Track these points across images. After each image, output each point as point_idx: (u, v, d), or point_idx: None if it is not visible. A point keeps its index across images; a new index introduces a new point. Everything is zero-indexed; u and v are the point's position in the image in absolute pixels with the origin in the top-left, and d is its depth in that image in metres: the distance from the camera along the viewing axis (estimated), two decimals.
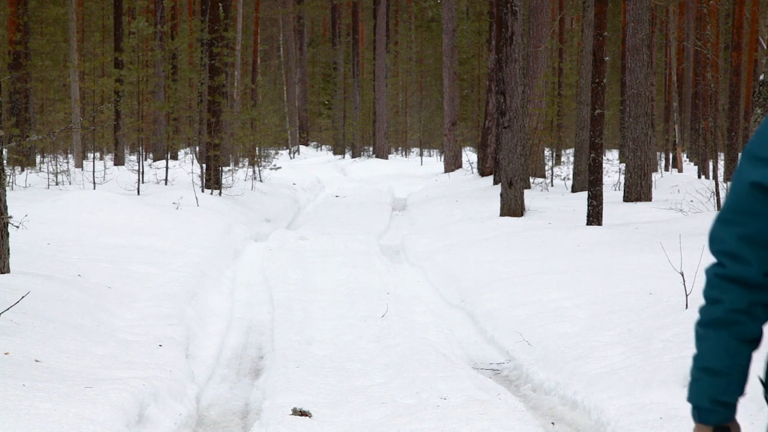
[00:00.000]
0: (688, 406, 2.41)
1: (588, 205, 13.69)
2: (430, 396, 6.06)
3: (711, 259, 2.28)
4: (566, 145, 29.15)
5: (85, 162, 28.24)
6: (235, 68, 32.10)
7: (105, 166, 23.29)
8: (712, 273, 2.26)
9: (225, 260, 12.51)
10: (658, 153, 33.57)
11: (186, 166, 25.69)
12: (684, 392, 5.82)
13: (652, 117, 18.15)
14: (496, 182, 22.01)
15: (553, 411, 6.34)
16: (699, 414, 2.28)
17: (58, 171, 21.24)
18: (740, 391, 2.24)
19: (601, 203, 13.80)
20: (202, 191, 19.26)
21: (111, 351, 6.77)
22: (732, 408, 2.26)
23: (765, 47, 27.99)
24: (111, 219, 13.44)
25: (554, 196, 18.88)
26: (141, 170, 19.58)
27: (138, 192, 18.54)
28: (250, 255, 13.57)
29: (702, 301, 2.28)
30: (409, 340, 7.83)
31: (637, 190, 17.74)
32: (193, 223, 14.25)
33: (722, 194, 15.91)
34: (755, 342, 2.22)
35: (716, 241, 2.25)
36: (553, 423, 6.12)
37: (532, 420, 5.69)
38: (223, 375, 7.38)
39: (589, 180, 13.85)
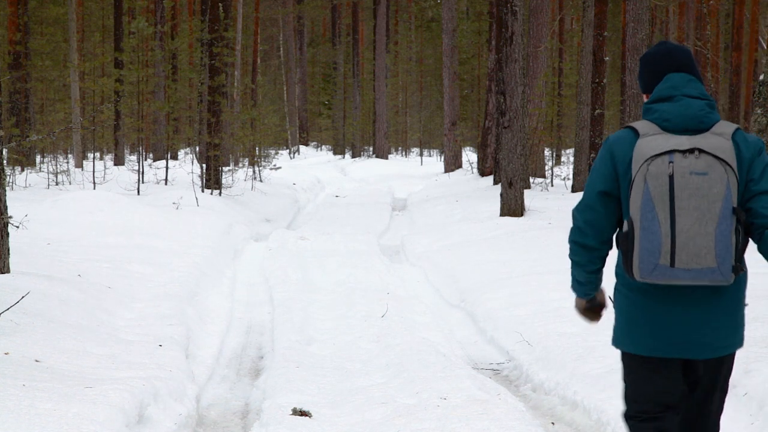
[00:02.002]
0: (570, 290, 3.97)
1: None
2: (430, 396, 6.06)
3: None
4: (566, 145, 29.16)
5: (85, 162, 28.24)
6: (235, 68, 32.11)
7: (105, 166, 23.29)
8: (570, 237, 3.83)
9: (225, 260, 12.51)
10: None
11: (186, 166, 25.69)
12: None
13: None
14: (496, 182, 22.01)
15: (553, 411, 6.34)
16: (577, 294, 3.96)
17: (58, 171, 21.24)
18: (597, 288, 3.92)
19: None
20: (202, 191, 19.26)
21: (111, 351, 6.77)
22: (593, 290, 3.92)
23: (765, 47, 28.00)
24: (111, 219, 13.44)
25: (554, 196, 18.88)
26: (141, 170, 19.58)
27: (138, 192, 18.54)
28: (250, 255, 13.57)
29: (571, 256, 3.87)
30: (409, 340, 7.83)
31: None
32: (193, 223, 14.25)
33: None
34: (597, 271, 3.86)
35: (574, 220, 3.81)
36: (553, 423, 6.12)
37: (532, 420, 5.69)
38: (223, 375, 7.38)
39: None
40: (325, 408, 5.98)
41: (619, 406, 5.82)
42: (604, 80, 13.67)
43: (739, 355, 5.97)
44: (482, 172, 27.07)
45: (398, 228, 18.07)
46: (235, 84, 31.06)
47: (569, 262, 3.88)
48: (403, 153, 55.95)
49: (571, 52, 32.28)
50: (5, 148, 10.08)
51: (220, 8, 20.53)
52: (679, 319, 3.61)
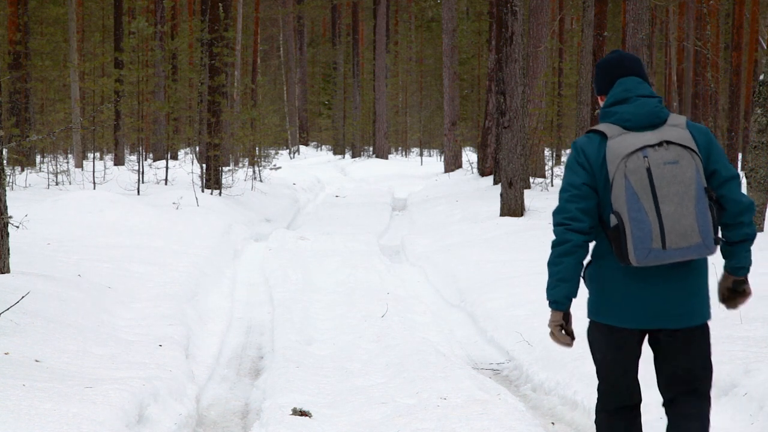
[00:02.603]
0: (547, 303, 4.04)
1: None
2: (430, 396, 6.06)
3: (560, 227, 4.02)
4: (566, 145, 29.14)
5: (85, 162, 28.23)
6: (235, 68, 32.11)
7: (105, 166, 23.28)
8: (561, 229, 4.00)
9: (225, 260, 12.51)
10: None
11: (186, 166, 25.68)
12: None
13: None
14: (496, 182, 22.01)
15: (553, 411, 6.33)
16: (556, 305, 4.03)
17: (58, 171, 21.23)
18: (576, 292, 4.01)
19: None
20: (202, 191, 19.26)
21: (111, 351, 6.77)
22: (570, 301, 4.02)
23: (765, 47, 27.99)
24: (111, 219, 13.44)
25: (554, 196, 18.88)
26: (141, 170, 19.58)
27: (138, 192, 18.54)
28: (250, 255, 13.57)
29: (556, 245, 4.01)
30: (409, 340, 7.83)
31: None
32: (193, 223, 14.26)
33: None
34: (581, 265, 4.02)
35: (564, 211, 4.01)
36: (553, 423, 6.12)
37: (532, 420, 5.69)
38: (223, 375, 7.38)
39: None
40: (325, 408, 5.98)
41: None
42: None
43: (739, 355, 5.99)
44: (482, 172, 27.07)
45: (398, 228, 18.07)
46: (235, 84, 31.05)
47: (551, 266, 4.03)
48: (403, 153, 55.96)
49: (571, 52, 32.30)
50: (5, 148, 10.08)
51: (220, 8, 20.53)
52: (655, 292, 3.96)
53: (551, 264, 4.02)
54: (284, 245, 14.03)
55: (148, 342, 7.24)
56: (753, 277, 8.91)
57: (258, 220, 17.94)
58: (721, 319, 7.02)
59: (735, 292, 4.25)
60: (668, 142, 3.88)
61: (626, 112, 3.97)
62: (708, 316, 4.10)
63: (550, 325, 4.06)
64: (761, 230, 11.59)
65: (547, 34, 23.47)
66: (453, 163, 32.31)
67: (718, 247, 3.99)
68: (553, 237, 4.03)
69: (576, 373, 6.59)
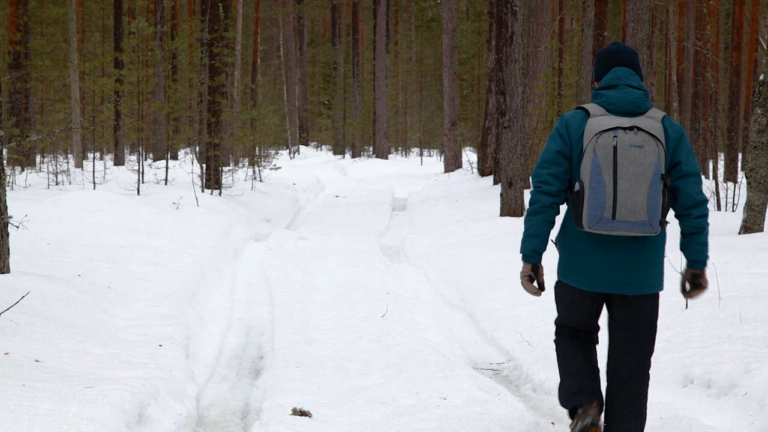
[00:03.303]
0: (520, 257, 4.69)
1: None
2: (430, 396, 6.06)
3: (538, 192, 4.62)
4: None
5: (85, 162, 28.24)
6: (235, 68, 32.11)
7: (105, 166, 23.28)
8: (534, 191, 4.60)
9: (225, 260, 12.51)
10: None
11: (186, 166, 25.69)
12: (684, 392, 5.82)
13: None
14: (496, 182, 22.01)
15: (553, 411, 6.34)
16: (526, 258, 4.66)
17: (58, 171, 21.23)
18: (545, 247, 4.63)
19: None
20: (202, 191, 19.26)
21: (111, 351, 6.77)
22: (540, 255, 4.65)
23: (765, 47, 27.99)
24: (111, 219, 13.44)
25: None
26: (141, 170, 19.59)
27: (138, 192, 18.54)
28: (250, 255, 13.56)
29: (530, 205, 4.62)
30: (409, 340, 7.83)
31: None
32: (192, 223, 14.25)
33: (722, 194, 15.92)
34: (552, 222, 4.61)
35: (537, 175, 4.60)
36: (553, 423, 6.12)
37: (532, 420, 5.69)
38: (223, 375, 7.38)
39: None
40: (325, 408, 5.98)
41: None
42: None
43: (739, 355, 5.99)
44: (482, 172, 27.07)
45: (398, 228, 18.06)
46: (235, 84, 31.05)
47: (525, 224, 4.68)
48: (403, 153, 55.96)
49: (571, 52, 32.27)
50: (5, 148, 10.08)
51: (220, 8, 20.53)
52: (611, 262, 4.51)
53: (525, 222, 4.66)
54: (284, 245, 14.03)
55: (148, 342, 7.23)
56: (753, 278, 8.90)
57: (258, 220, 17.93)
58: (721, 319, 7.03)
59: (692, 284, 4.66)
60: (638, 129, 4.38)
61: (612, 97, 4.48)
62: (659, 287, 4.60)
63: (521, 276, 4.67)
64: (761, 230, 11.58)
65: (547, 34, 23.47)
66: (453, 163, 32.32)
67: (684, 234, 4.61)
68: (529, 198, 4.65)
69: None
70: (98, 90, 31.30)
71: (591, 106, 4.53)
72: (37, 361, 6.07)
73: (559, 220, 4.93)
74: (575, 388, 4.68)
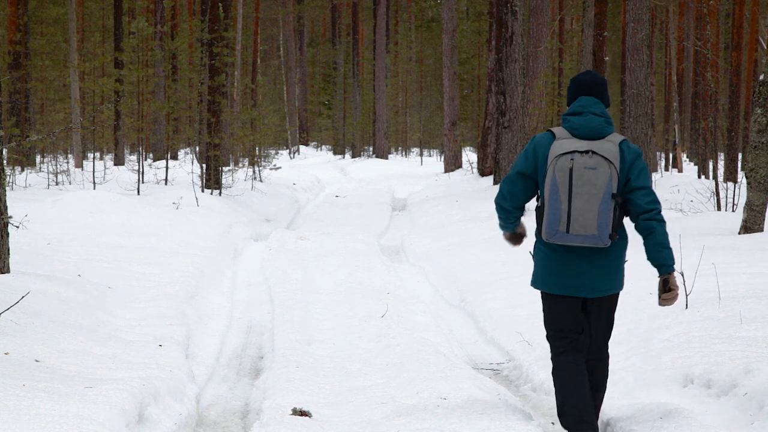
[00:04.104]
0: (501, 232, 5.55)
1: None
2: (430, 396, 6.06)
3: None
4: None
5: (85, 162, 28.23)
6: (235, 68, 32.11)
7: (105, 166, 23.28)
8: (495, 201, 5.36)
9: (225, 260, 12.50)
10: (658, 153, 33.56)
11: (186, 166, 25.67)
12: (684, 392, 5.82)
13: (652, 117, 18.16)
14: (496, 182, 22.00)
15: (553, 411, 6.33)
16: (505, 230, 5.47)
17: (58, 171, 21.22)
18: (516, 226, 5.44)
19: None
20: (202, 191, 19.26)
21: (111, 351, 6.77)
22: (514, 228, 5.45)
23: (765, 47, 27.99)
24: (111, 219, 13.43)
25: None
26: (141, 170, 19.58)
27: (138, 192, 18.54)
28: (250, 255, 13.56)
29: (497, 210, 5.42)
30: (409, 340, 7.84)
31: None
32: (193, 223, 14.24)
33: (722, 194, 15.91)
34: (515, 221, 5.41)
35: (501, 189, 5.29)
36: (553, 423, 6.12)
37: (532, 420, 5.69)
38: (223, 375, 7.38)
39: None
40: (325, 408, 5.99)
41: (619, 406, 5.83)
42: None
43: (739, 355, 5.99)
44: (482, 172, 27.07)
45: (398, 228, 18.06)
46: (235, 84, 31.04)
47: (498, 217, 5.43)
48: (403, 153, 55.96)
49: (571, 52, 32.28)
50: (5, 148, 10.08)
51: (220, 8, 20.52)
52: (576, 270, 5.13)
53: (498, 212, 5.41)
54: (284, 245, 14.03)
55: (148, 342, 7.23)
56: (753, 278, 8.89)
57: (258, 220, 17.93)
58: (721, 319, 7.02)
59: (663, 290, 5.10)
60: (593, 152, 4.97)
61: (576, 123, 5.06)
62: (618, 288, 5.26)
63: (504, 236, 5.51)
64: (761, 230, 11.58)
65: (547, 34, 23.47)
66: (453, 163, 32.32)
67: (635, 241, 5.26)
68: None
69: None
70: (98, 90, 31.30)
71: (558, 130, 5.12)
72: (37, 361, 6.07)
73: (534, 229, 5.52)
74: (577, 417, 5.17)
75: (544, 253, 5.20)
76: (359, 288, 10.41)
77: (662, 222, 5.09)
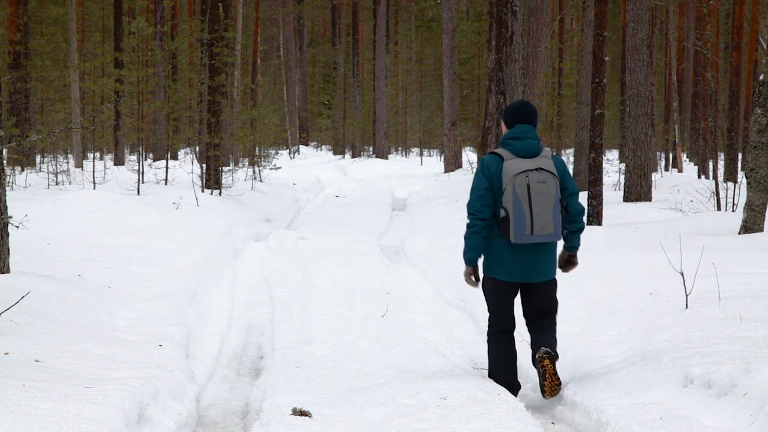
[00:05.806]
0: (463, 263, 6.65)
1: (588, 205, 13.70)
2: (430, 396, 6.06)
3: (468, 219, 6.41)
4: (566, 145, 29.15)
5: (85, 162, 28.24)
6: (235, 68, 32.10)
7: (105, 166, 23.28)
8: (472, 217, 6.35)
9: (225, 260, 12.50)
10: (658, 153, 33.58)
11: (186, 166, 25.68)
12: (684, 392, 5.82)
13: (652, 117, 18.15)
14: None
15: (553, 411, 6.34)
16: (469, 262, 6.42)
17: (58, 171, 21.23)
18: (480, 255, 6.42)
19: (601, 203, 13.81)
20: (202, 191, 19.26)
21: (111, 351, 6.77)
22: (477, 260, 6.43)
23: (765, 47, 27.99)
24: (111, 219, 13.43)
25: None
26: (141, 170, 19.59)
27: (138, 192, 18.54)
28: (250, 255, 13.56)
29: (469, 227, 6.38)
30: (409, 339, 7.84)
31: (637, 190, 17.75)
32: (193, 223, 14.24)
33: (722, 194, 15.93)
34: (486, 238, 6.36)
35: (473, 205, 6.34)
36: (553, 423, 6.13)
37: (532, 420, 5.69)
38: (223, 375, 7.38)
39: (589, 180, 13.86)
40: (325, 408, 5.98)
41: (619, 406, 5.83)
42: (604, 80, 13.65)
43: (739, 355, 5.99)
44: None
45: (398, 228, 18.06)
46: (235, 84, 31.04)
47: (466, 240, 6.36)
48: (403, 153, 55.96)
49: (571, 52, 32.29)
50: (5, 148, 10.08)
51: (220, 8, 20.53)
52: (524, 260, 6.35)
53: (466, 238, 6.37)
54: (284, 245, 14.03)
55: (148, 342, 7.24)
56: (753, 278, 8.88)
57: (258, 220, 17.93)
58: (721, 319, 7.02)
59: (568, 262, 6.59)
60: (541, 169, 6.21)
61: (517, 146, 6.26)
62: (553, 274, 6.49)
63: (464, 275, 6.46)
64: (761, 230, 11.59)
65: (547, 34, 23.47)
66: (453, 163, 32.32)
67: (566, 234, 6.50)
68: (468, 221, 6.36)
69: (576, 373, 6.60)
70: (98, 90, 31.31)
71: (502, 152, 6.29)
72: (37, 361, 6.07)
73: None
74: (505, 381, 6.48)
75: (498, 247, 6.35)
76: (359, 288, 10.41)
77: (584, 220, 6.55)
